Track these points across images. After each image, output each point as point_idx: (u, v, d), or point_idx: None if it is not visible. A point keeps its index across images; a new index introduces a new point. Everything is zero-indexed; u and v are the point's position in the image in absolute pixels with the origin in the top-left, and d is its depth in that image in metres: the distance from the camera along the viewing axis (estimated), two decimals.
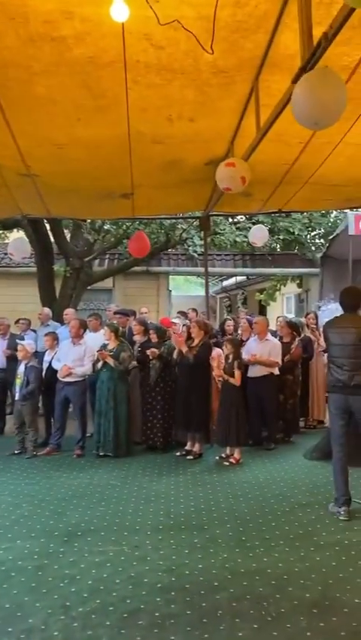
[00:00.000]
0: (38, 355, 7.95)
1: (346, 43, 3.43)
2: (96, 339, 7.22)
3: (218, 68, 3.77)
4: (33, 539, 4.20)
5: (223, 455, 6.42)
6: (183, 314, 8.92)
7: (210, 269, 11.44)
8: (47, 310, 8.94)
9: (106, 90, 3.98)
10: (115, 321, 7.60)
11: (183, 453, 6.62)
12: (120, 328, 7.17)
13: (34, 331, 8.89)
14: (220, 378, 6.54)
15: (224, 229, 11.96)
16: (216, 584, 3.49)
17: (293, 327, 7.50)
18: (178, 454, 6.64)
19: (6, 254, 11.32)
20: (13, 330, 8.39)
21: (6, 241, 12.68)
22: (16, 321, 8.86)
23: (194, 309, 9.27)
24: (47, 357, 7.24)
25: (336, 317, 4.97)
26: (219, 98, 4.20)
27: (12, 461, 6.49)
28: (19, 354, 6.89)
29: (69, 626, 3.02)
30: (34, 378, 6.73)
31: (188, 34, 3.22)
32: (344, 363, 4.58)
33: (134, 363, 6.97)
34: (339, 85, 2.94)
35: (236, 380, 6.30)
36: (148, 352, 6.74)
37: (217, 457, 6.45)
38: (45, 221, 9.74)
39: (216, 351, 6.88)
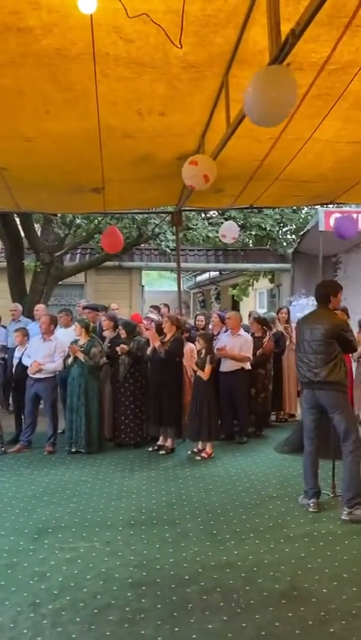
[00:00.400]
0: (8, 351, 7.86)
1: (314, 39, 3.46)
2: (67, 334, 7.17)
3: (188, 63, 3.75)
4: (2, 537, 4.16)
5: (195, 450, 6.45)
6: (156, 308, 8.91)
7: (182, 264, 11.47)
8: (19, 306, 8.83)
9: (75, 83, 3.92)
10: (85, 317, 7.54)
11: (156, 448, 6.63)
12: (90, 324, 7.13)
13: (5, 327, 8.77)
14: (191, 371, 6.59)
15: (196, 224, 11.97)
16: (186, 577, 3.51)
17: (263, 323, 7.58)
18: (151, 449, 6.65)
19: None
20: None
21: None
22: None
23: (166, 305, 9.28)
24: (17, 354, 7.15)
25: (309, 313, 5.04)
26: (189, 93, 4.18)
27: None
28: None
29: (39, 624, 3.01)
30: None
31: (158, 27, 3.20)
32: (311, 359, 4.64)
33: (105, 359, 6.94)
34: (289, 84, 2.96)
35: (205, 374, 6.33)
36: (117, 349, 6.72)
37: (189, 452, 6.48)
38: (15, 215, 9.60)
39: (188, 346, 6.90)
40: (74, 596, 3.29)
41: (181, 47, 3.26)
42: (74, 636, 2.89)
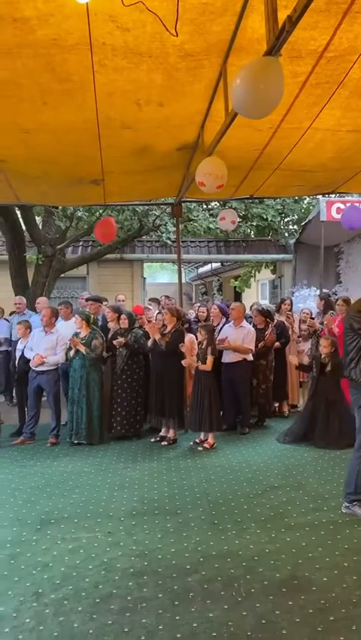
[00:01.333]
0: (12, 344, 7.89)
1: (313, 27, 3.43)
2: (67, 327, 7.18)
3: (185, 52, 3.72)
4: (5, 528, 4.19)
5: (197, 440, 6.47)
6: (156, 301, 8.90)
7: (184, 256, 11.47)
8: (24, 299, 8.86)
9: (72, 74, 3.89)
10: (87, 309, 7.55)
11: (158, 439, 6.66)
12: (92, 315, 7.13)
13: (7, 320, 8.79)
14: (190, 367, 6.60)
15: (197, 216, 11.93)
16: (188, 567, 3.53)
17: (266, 315, 7.55)
18: (153, 440, 6.67)
19: None
20: None
21: None
22: None
23: (167, 296, 9.26)
24: (19, 346, 7.16)
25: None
26: (187, 83, 4.16)
27: None
28: None
29: (41, 613, 3.04)
30: None
31: (154, 16, 3.17)
32: None
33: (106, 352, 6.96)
34: (276, 75, 2.94)
35: (207, 366, 6.34)
36: (114, 342, 6.74)
37: (191, 443, 6.50)
38: (16, 208, 9.59)
39: (188, 337, 6.90)
40: (76, 586, 3.32)
41: (177, 36, 3.23)
42: (75, 625, 2.92)
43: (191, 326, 7.43)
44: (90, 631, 2.85)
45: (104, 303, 8.21)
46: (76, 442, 6.57)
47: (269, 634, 2.81)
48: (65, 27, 3.38)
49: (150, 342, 6.76)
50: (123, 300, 8.93)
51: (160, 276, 25.37)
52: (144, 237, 12.90)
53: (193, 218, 11.84)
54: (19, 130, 4.70)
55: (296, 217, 13.35)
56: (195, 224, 11.96)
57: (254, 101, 3.03)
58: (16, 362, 7.19)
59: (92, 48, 3.61)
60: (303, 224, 11.52)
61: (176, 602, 3.11)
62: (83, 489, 5.05)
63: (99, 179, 6.16)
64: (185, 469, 5.58)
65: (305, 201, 13.10)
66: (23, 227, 10.15)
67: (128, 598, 3.17)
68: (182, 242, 10.29)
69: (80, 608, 3.08)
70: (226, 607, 3.05)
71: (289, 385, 8.04)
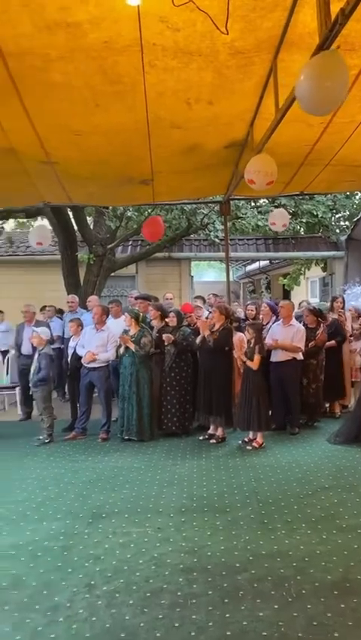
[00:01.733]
0: (65, 341, 8.09)
1: None
2: (117, 325, 7.30)
3: (236, 49, 3.72)
4: (59, 521, 4.31)
5: (246, 439, 6.45)
6: (201, 299, 8.89)
7: (232, 254, 11.41)
8: (76, 298, 9.06)
9: (123, 75, 3.95)
10: (137, 307, 7.64)
11: (206, 437, 6.67)
12: (141, 314, 7.21)
13: (60, 318, 9.02)
14: (240, 361, 6.57)
15: (246, 213, 11.84)
16: (237, 565, 3.53)
17: (317, 314, 7.40)
18: (201, 438, 6.69)
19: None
20: (38, 317, 8.52)
21: (31, 229, 12.81)
22: (42, 309, 8.99)
23: (215, 294, 9.24)
24: (72, 343, 7.34)
25: None
26: (237, 80, 4.14)
27: (39, 445, 6.63)
28: (34, 341, 7.03)
29: (94, 604, 3.11)
30: (45, 365, 6.79)
31: (204, 15, 3.18)
32: None
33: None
34: (341, 71, 2.88)
35: (254, 364, 6.29)
36: (163, 338, 6.80)
37: (240, 442, 6.47)
38: (68, 209, 9.81)
39: (238, 336, 6.87)
40: (128, 579, 3.38)
41: (228, 34, 3.23)
42: (127, 618, 2.97)
43: (240, 324, 7.39)
44: (141, 624, 2.90)
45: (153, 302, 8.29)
46: (126, 438, 6.67)
47: (321, 636, 2.77)
48: (116, 29, 3.44)
49: (198, 340, 6.78)
50: (171, 299, 8.99)
51: (207, 274, 25.35)
52: (191, 236, 12.92)
53: (241, 215, 11.77)
54: (71, 132, 4.81)
55: (348, 213, 13.03)
56: (243, 221, 11.88)
57: (321, 98, 2.99)
58: (69, 359, 7.37)
59: (143, 49, 3.66)
60: (355, 220, 11.25)
61: (226, 600, 3.12)
62: (133, 484, 5.13)
63: (148, 179, 6.22)
64: (233, 468, 5.57)
65: (358, 197, 12.77)
66: (75, 228, 10.37)
67: (179, 593, 3.20)
68: (230, 240, 10.23)
69: (131, 602, 3.13)
70: (276, 607, 3.03)
71: (344, 384, 7.85)
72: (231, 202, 7.92)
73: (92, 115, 4.50)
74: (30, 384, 6.95)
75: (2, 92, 4.03)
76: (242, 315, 7.96)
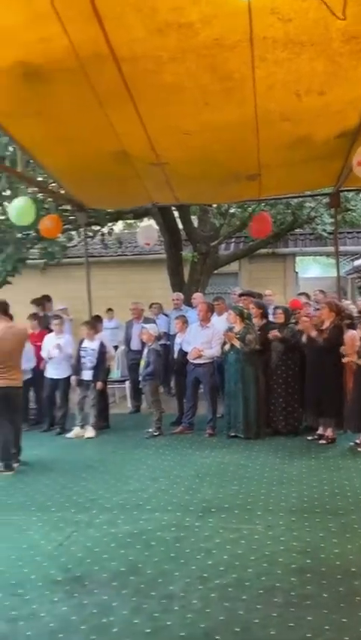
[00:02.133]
0: (170, 338, 8.28)
1: None
2: (221, 322, 7.33)
3: (350, 34, 3.58)
4: (170, 512, 4.42)
5: (358, 441, 6.18)
6: (306, 295, 8.66)
7: (341, 248, 10.98)
8: (181, 295, 9.24)
9: (232, 71, 3.96)
10: (240, 304, 7.62)
11: (315, 437, 6.49)
12: (245, 310, 7.17)
13: (167, 315, 9.24)
14: (352, 363, 6.30)
15: (356, 205, 11.35)
16: (353, 569, 3.40)
17: None
18: (310, 438, 6.52)
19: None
20: (146, 314, 8.79)
21: (137, 230, 13.23)
22: (150, 306, 9.26)
23: (321, 291, 8.97)
24: (177, 340, 7.49)
25: None
26: (351, 67, 3.99)
27: (148, 438, 6.85)
28: (143, 337, 7.26)
29: (207, 597, 3.15)
30: (154, 360, 6.99)
31: (317, 2, 3.10)
32: None
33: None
34: None
35: None
36: (270, 335, 6.70)
37: (351, 443, 6.22)
38: (173, 208, 10.00)
39: (350, 333, 6.61)
40: (240, 575, 3.38)
41: (345, 19, 3.11)
42: (240, 613, 2.98)
43: (353, 322, 7.10)
44: (255, 620, 2.89)
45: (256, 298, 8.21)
46: (233, 434, 6.68)
47: None
48: (227, 26, 3.46)
49: (303, 338, 6.60)
50: (271, 295, 8.86)
51: (312, 270, 24.60)
52: (296, 230, 12.63)
53: (351, 207, 11.30)
54: (180, 132, 4.90)
55: None
56: (353, 214, 11.40)
57: None
58: (175, 355, 7.53)
59: (253, 43, 3.64)
60: None
61: (342, 605, 3.02)
62: (240, 481, 5.12)
63: (256, 173, 6.17)
64: (345, 470, 5.37)
65: None
66: (180, 227, 10.55)
67: (292, 593, 3.15)
68: (338, 233, 9.86)
69: (244, 597, 3.13)
70: None
71: None
72: (340, 194, 7.63)
73: (201, 114, 4.56)
74: (139, 379, 7.19)
75: (116, 97, 4.21)
76: (355, 312, 7.64)
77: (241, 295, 8.25)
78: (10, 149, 6.99)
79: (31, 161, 6.45)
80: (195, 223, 11.01)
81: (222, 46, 3.66)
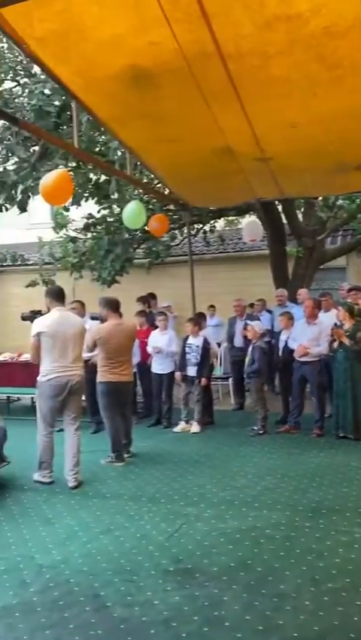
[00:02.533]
0: (274, 335, 8.18)
1: None
2: (328, 318, 7.10)
3: None
4: (279, 511, 4.37)
5: None
6: None
7: None
8: (285, 291, 9.10)
9: (342, 59, 3.80)
10: (349, 299, 7.33)
11: None
12: (355, 307, 6.89)
13: (270, 312, 9.13)
14: None
15: None
16: None
17: None
18: None
19: (240, 238, 11.82)
20: (248, 311, 8.76)
21: (239, 226, 13.20)
22: (251, 305, 9.21)
23: None
24: (282, 337, 7.38)
25: None
26: None
27: (253, 436, 6.82)
28: (248, 334, 7.24)
29: (319, 599, 3.09)
30: (259, 357, 6.93)
31: None
32: None
33: None
34: None
35: None
36: None
37: None
38: (277, 202, 9.84)
39: None
40: (354, 580, 3.28)
41: None
42: (355, 619, 2.88)
43: None
44: None
45: None
46: (341, 435, 6.47)
47: None
48: (338, 12, 3.32)
49: None
50: None
51: None
52: None
53: None
54: (287, 125, 4.80)
55: None
56: None
57: None
58: (280, 352, 7.42)
59: None
60: None
61: None
62: (351, 483, 4.95)
63: None
64: None
65: None
66: (284, 221, 10.36)
67: None
68: None
69: (358, 602, 3.03)
70: None
71: None
72: None
73: (309, 105, 4.43)
74: (244, 376, 7.18)
75: (223, 95, 4.22)
76: None
77: (350, 290, 7.94)
78: (119, 152, 7.26)
79: (138, 163, 6.66)
80: (300, 217, 10.75)
81: (331, 34, 3.52)
